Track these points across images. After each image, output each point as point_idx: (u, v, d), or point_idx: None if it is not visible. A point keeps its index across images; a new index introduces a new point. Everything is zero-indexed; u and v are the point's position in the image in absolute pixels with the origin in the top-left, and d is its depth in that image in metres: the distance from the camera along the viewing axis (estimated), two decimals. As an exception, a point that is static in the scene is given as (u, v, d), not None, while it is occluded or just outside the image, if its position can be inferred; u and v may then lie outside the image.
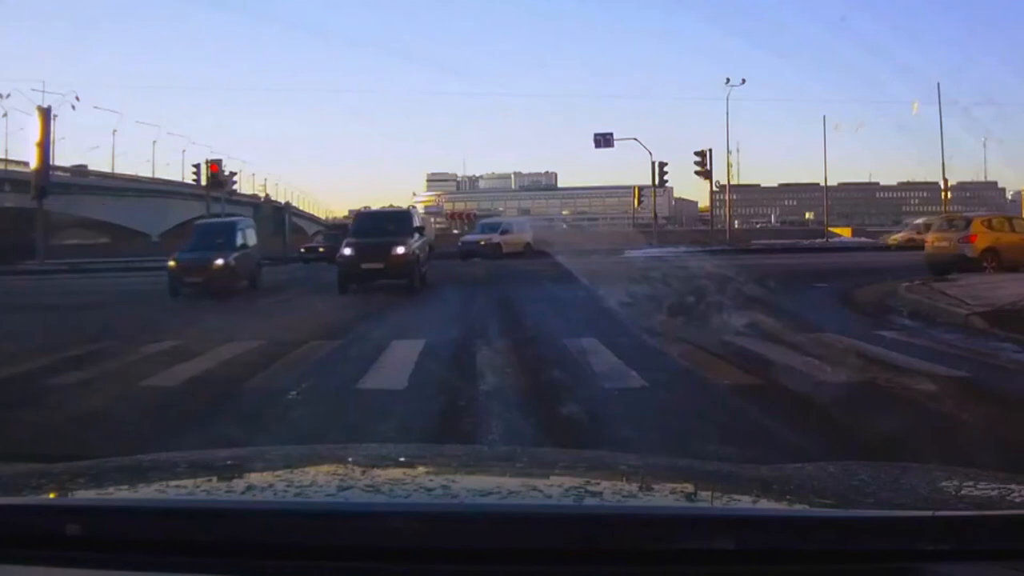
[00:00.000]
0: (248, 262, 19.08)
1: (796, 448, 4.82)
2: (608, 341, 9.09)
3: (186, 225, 35.49)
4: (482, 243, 32.47)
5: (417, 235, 18.12)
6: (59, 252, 38.14)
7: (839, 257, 29.55)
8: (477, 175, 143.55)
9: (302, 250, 31.81)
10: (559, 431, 5.43)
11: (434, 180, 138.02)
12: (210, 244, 18.24)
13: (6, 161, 47.94)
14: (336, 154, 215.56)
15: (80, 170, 56.67)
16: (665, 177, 40.06)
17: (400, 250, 16.85)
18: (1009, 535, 1.18)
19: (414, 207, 30.44)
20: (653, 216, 45.34)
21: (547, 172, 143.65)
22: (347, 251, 17.01)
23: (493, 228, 34.86)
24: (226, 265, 17.69)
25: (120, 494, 1.53)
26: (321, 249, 29.03)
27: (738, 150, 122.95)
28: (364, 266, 16.81)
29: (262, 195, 75.35)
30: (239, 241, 18.94)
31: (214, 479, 1.69)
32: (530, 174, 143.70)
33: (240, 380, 7.49)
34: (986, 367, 7.73)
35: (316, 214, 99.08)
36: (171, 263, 17.72)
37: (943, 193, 42.53)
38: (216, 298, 16.37)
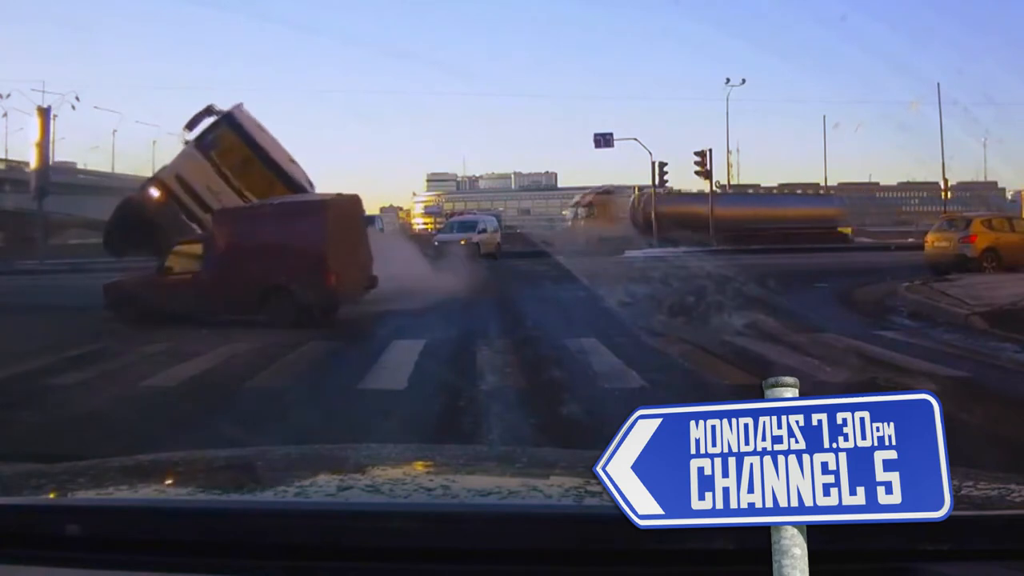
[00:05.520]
0: None
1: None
2: (608, 341, 9.10)
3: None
4: (462, 243, 31.87)
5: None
6: (60, 252, 38.15)
7: (839, 257, 29.55)
8: (477, 175, 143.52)
9: None
10: (559, 431, 5.43)
11: (434, 180, 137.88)
12: None
13: (6, 161, 47.99)
14: (336, 154, 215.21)
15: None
16: (665, 177, 40.02)
17: None
18: (1009, 535, 1.18)
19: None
20: (653, 216, 45.27)
21: (547, 172, 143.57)
22: None
23: (470, 227, 33.52)
24: None
25: (120, 494, 1.53)
26: None
27: (738, 150, 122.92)
28: None
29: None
30: None
31: (214, 479, 1.69)
32: (530, 174, 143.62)
33: (242, 379, 7.50)
34: (986, 367, 7.74)
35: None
36: None
37: (943, 193, 42.51)
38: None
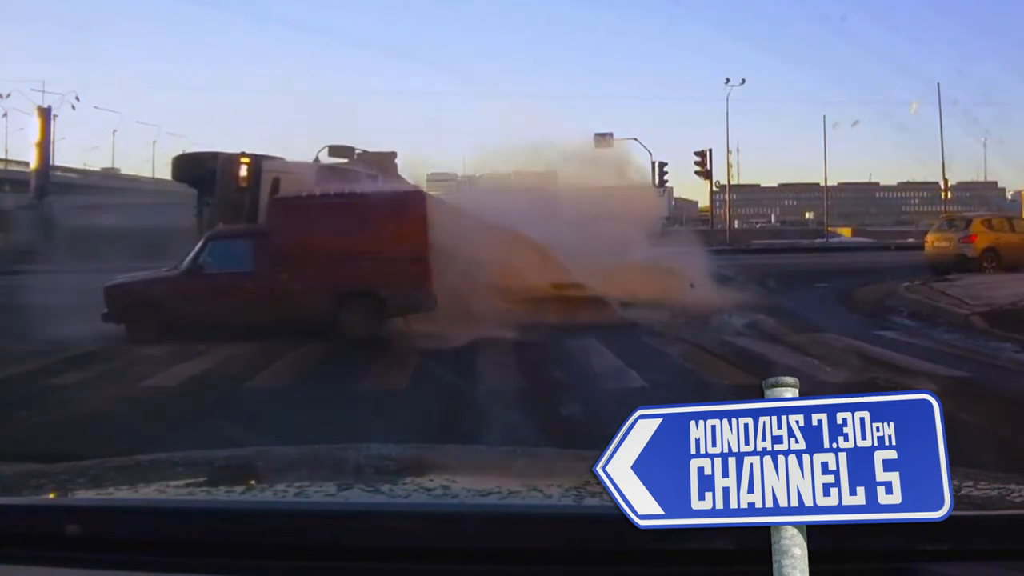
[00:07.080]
0: None
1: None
2: (608, 341, 9.09)
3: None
4: None
5: None
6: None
7: (839, 257, 29.55)
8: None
9: None
10: (559, 431, 5.43)
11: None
12: None
13: (6, 161, 48.02)
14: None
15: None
16: (665, 177, 39.99)
17: None
18: (1009, 535, 1.18)
19: None
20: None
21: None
22: None
23: None
24: None
25: (120, 494, 1.53)
26: None
27: (738, 150, 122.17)
28: None
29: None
30: None
31: (214, 479, 1.69)
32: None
33: (242, 379, 7.49)
34: (986, 367, 7.74)
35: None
36: None
37: (943, 193, 42.47)
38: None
